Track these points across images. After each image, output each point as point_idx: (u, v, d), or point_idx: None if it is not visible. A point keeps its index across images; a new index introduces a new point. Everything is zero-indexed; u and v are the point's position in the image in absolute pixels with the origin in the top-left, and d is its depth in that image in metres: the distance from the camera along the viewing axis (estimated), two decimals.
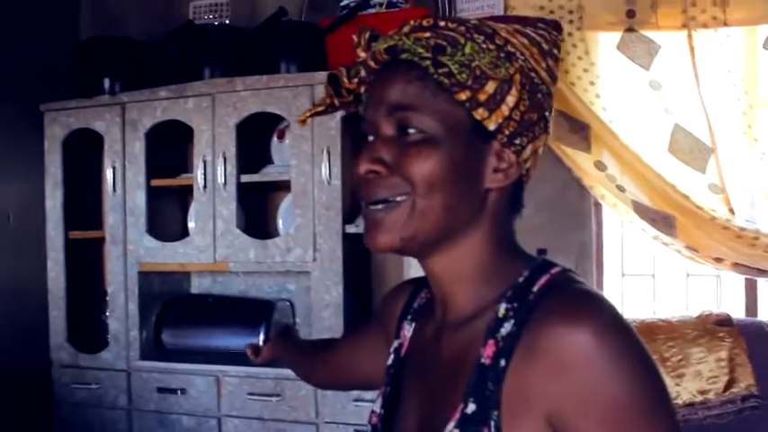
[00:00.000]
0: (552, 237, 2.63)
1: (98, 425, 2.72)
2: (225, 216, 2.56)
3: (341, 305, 2.45)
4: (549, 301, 0.71)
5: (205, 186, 2.58)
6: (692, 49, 2.39)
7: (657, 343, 2.27)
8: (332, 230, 2.43)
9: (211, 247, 2.58)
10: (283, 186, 2.84)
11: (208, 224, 2.58)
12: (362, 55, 0.81)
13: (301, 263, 2.49)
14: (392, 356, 0.91)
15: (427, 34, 0.75)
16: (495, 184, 0.78)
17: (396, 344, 0.92)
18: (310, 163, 2.46)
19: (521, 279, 0.77)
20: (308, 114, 0.88)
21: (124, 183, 2.70)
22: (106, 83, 2.78)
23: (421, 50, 0.73)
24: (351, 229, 2.47)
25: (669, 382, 2.22)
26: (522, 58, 0.76)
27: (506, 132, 0.76)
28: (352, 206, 2.53)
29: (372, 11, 2.59)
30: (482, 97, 0.73)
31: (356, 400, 2.42)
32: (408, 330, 0.91)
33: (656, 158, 2.41)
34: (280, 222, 2.81)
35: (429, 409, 0.79)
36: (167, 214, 2.89)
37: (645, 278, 2.81)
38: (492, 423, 0.69)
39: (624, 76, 2.49)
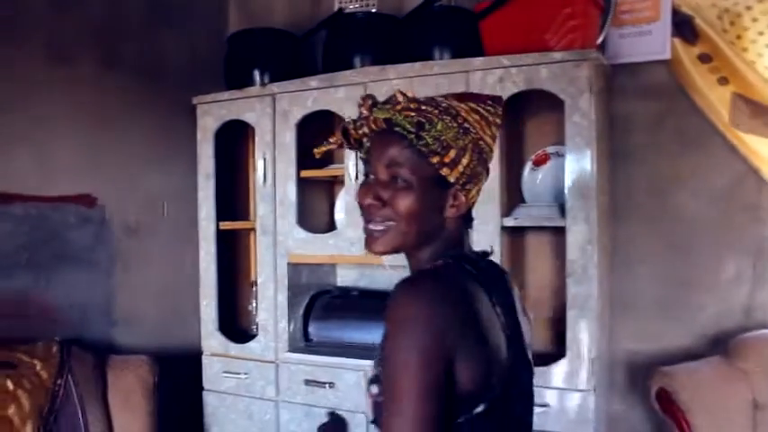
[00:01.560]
0: (725, 233, 2.41)
1: (245, 414, 2.73)
2: None
3: None
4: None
5: (357, 177, 2.53)
6: None
7: None
8: (490, 223, 2.31)
9: (362, 239, 2.52)
10: None
11: (359, 217, 2.52)
12: (365, 112, 1.15)
13: None
14: None
15: (413, 114, 1.11)
16: (451, 215, 1.15)
17: None
18: None
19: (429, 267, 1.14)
20: (323, 149, 1.24)
21: (274, 174, 2.69)
22: (256, 74, 2.79)
23: (408, 126, 1.09)
24: (509, 222, 2.34)
25: None
26: (474, 131, 1.12)
27: (460, 182, 1.13)
28: (509, 200, 2.41)
29: None
30: (446, 160, 1.10)
31: None
32: None
33: None
34: None
35: None
36: (315, 206, 2.87)
37: None
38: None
39: None
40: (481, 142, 1.13)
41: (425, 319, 0.99)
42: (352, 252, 2.55)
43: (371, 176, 1.16)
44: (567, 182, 2.21)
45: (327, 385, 2.57)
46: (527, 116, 2.60)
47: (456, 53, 2.46)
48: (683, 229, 2.46)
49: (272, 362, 2.70)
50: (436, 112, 1.11)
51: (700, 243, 2.44)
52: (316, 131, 2.82)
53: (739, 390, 2.04)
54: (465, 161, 1.12)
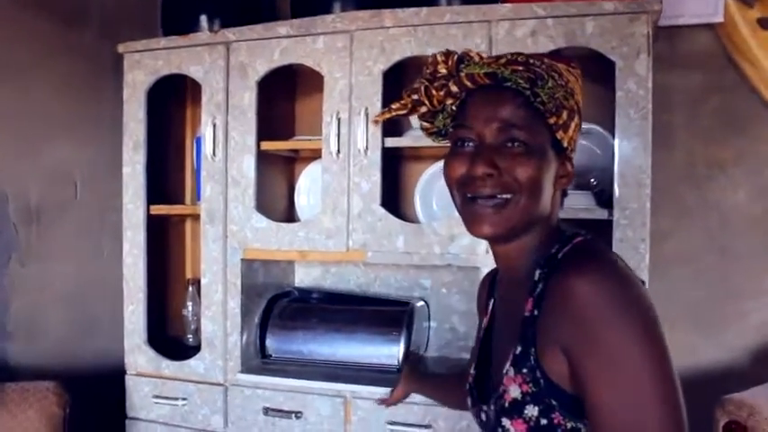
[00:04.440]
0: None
1: None
2: (364, 191, 1.97)
3: None
4: (565, 262, 0.91)
5: (338, 152, 1.99)
6: None
7: None
8: None
9: (344, 230, 2.00)
10: (423, 156, 2.28)
11: (341, 201, 1.99)
12: (443, 71, 1.01)
13: (467, 255, 1.90)
14: (482, 330, 1.15)
15: (521, 68, 0.95)
16: (560, 187, 1.01)
17: (484, 319, 1.16)
18: None
19: (553, 250, 0.96)
20: (386, 116, 1.08)
21: (226, 144, 2.11)
22: (203, 18, 2.20)
23: (521, 81, 0.94)
24: None
25: None
26: (576, 92, 1.00)
27: (569, 149, 1.00)
28: None
29: None
30: (560, 122, 0.97)
31: None
32: (491, 305, 1.14)
33: None
34: (417, 201, 2.23)
35: (502, 357, 0.99)
36: (274, 188, 2.31)
37: None
38: (531, 357, 0.90)
39: None
40: (580, 105, 1.01)
41: (636, 295, 0.85)
42: (329, 247, 2.01)
43: (469, 143, 0.97)
44: (617, 166, 1.77)
45: (294, 415, 2.03)
46: None
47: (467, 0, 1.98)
48: (723, 225, 2.09)
49: (219, 384, 2.13)
50: (544, 66, 0.97)
51: (743, 242, 2.08)
52: (282, 92, 2.28)
53: None
54: (573, 125, 0.99)
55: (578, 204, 1.90)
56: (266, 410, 2.06)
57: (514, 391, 0.92)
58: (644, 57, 1.74)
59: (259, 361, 2.17)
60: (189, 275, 2.55)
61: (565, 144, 0.99)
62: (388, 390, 1.91)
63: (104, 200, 2.34)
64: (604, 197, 1.94)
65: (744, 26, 1.98)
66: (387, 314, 2.16)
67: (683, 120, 2.10)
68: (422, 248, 1.94)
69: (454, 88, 0.99)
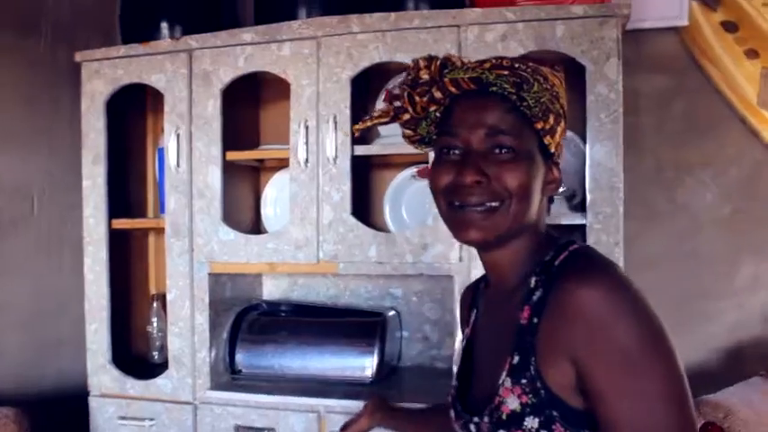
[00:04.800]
0: (743, 232, 2.08)
1: None
2: (334, 200, 1.93)
3: None
4: (566, 269, 0.89)
5: (307, 161, 1.94)
6: None
7: None
8: None
9: (314, 241, 1.95)
10: (391, 164, 2.25)
11: (310, 211, 1.95)
12: (425, 77, 0.97)
13: (441, 264, 1.87)
14: (464, 342, 1.12)
15: (506, 72, 0.93)
16: (548, 193, 0.99)
17: (466, 331, 1.13)
18: None
19: (547, 258, 0.94)
20: (368, 124, 1.05)
21: (190, 155, 2.04)
22: (164, 26, 2.13)
23: (507, 86, 0.92)
24: None
25: None
26: (560, 96, 0.97)
27: (556, 154, 0.99)
28: None
29: None
30: (547, 126, 0.94)
31: None
32: (473, 316, 1.11)
33: None
34: (386, 209, 2.19)
35: (491, 367, 0.95)
36: (240, 199, 2.25)
37: None
38: (531, 367, 0.87)
39: None
40: (565, 110, 0.99)
41: (642, 299, 0.84)
42: (299, 259, 1.96)
43: (454, 150, 0.95)
44: (588, 170, 1.77)
45: None
46: None
47: (435, 4, 1.95)
48: (692, 227, 2.11)
49: (188, 403, 2.05)
50: (529, 70, 0.94)
51: (711, 244, 2.09)
52: (245, 100, 2.22)
53: None
54: (560, 129, 0.98)
55: (553, 210, 1.89)
56: (238, 428, 2.00)
57: (513, 403, 0.89)
58: (614, 60, 1.74)
59: (229, 377, 2.11)
60: (153, 291, 2.47)
61: (552, 149, 0.97)
62: (361, 403, 1.89)
63: (63, 214, 2.26)
64: (576, 202, 1.94)
65: (708, 29, 2.00)
66: (359, 325, 2.12)
67: (649, 123, 2.12)
68: (394, 258, 1.91)
69: (438, 94, 0.96)
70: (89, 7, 2.41)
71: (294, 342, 2.11)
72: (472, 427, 0.98)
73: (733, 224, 2.08)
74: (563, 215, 1.90)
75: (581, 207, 1.87)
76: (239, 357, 2.12)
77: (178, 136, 2.04)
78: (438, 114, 0.99)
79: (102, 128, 2.11)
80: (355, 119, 1.94)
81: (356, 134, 1.09)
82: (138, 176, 2.45)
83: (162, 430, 2.07)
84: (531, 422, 0.87)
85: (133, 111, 2.39)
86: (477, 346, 1.08)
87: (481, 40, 1.82)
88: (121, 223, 2.17)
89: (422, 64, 0.98)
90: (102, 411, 2.13)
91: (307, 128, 1.94)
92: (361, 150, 1.96)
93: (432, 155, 1.02)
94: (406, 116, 1.00)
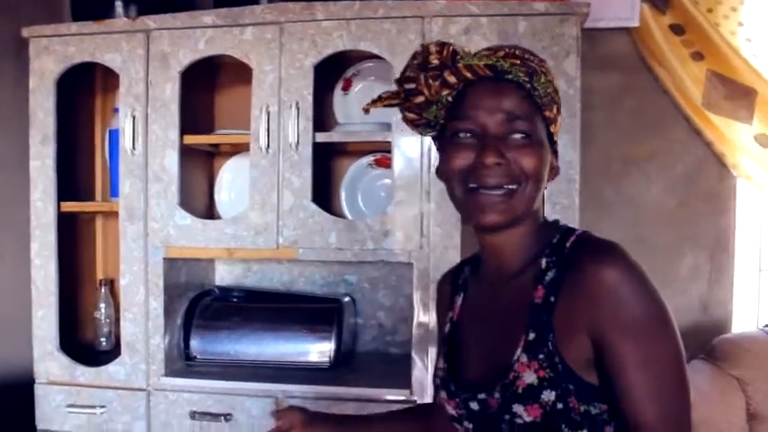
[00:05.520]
0: (683, 222, 2.19)
1: None
2: (295, 187, 1.93)
3: None
4: (581, 250, 0.94)
5: (268, 147, 1.93)
6: None
7: None
8: (448, 210, 1.86)
9: (274, 227, 1.95)
10: (352, 152, 2.26)
11: (270, 197, 1.94)
12: (435, 62, 0.99)
13: (401, 250, 1.90)
14: (448, 325, 1.13)
15: (518, 62, 0.96)
16: (551, 179, 1.03)
17: (450, 315, 1.13)
18: None
19: (554, 240, 0.99)
20: (378, 105, 1.06)
21: (146, 138, 2.00)
22: (118, 4, 2.08)
23: (521, 75, 0.96)
24: None
25: None
26: (558, 89, 1.02)
27: (557, 142, 1.05)
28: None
29: None
30: (552, 115, 1.00)
31: None
32: (458, 300, 1.13)
33: None
34: (342, 196, 2.20)
35: (492, 349, 1.00)
36: (196, 184, 2.21)
37: None
38: (549, 344, 0.92)
39: None
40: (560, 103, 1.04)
41: (648, 277, 0.91)
42: (258, 244, 1.96)
43: (468, 134, 0.97)
44: None
45: (223, 418, 1.96)
46: None
47: None
48: (639, 218, 2.21)
49: (141, 389, 2.02)
50: (536, 60, 0.99)
51: (656, 233, 2.20)
52: (203, 83, 2.19)
53: (734, 400, 1.81)
54: (559, 120, 1.03)
55: None
56: (193, 414, 1.98)
57: (529, 377, 0.92)
58: (573, 57, 1.80)
59: (183, 363, 2.08)
60: (100, 276, 2.41)
61: (555, 137, 1.03)
62: (325, 388, 1.91)
63: (7, 197, 2.17)
64: None
65: (657, 31, 2.09)
66: (316, 311, 2.13)
67: (600, 118, 2.20)
68: (355, 244, 1.92)
69: (452, 79, 0.98)
70: None
71: (250, 328, 2.10)
72: (474, 404, 0.99)
73: (676, 216, 2.19)
74: None
75: None
76: (194, 343, 2.09)
77: (134, 118, 1.99)
78: (450, 99, 1.00)
79: (51, 107, 2.03)
80: (317, 105, 1.95)
81: (366, 113, 1.08)
82: (86, 158, 2.37)
83: (113, 417, 2.03)
84: (548, 395, 0.90)
85: (81, 89, 2.31)
86: (466, 328, 1.10)
87: (445, 32, 1.85)
88: (71, 206, 2.11)
89: (433, 49, 0.99)
90: (48, 399, 2.07)
91: (269, 113, 1.93)
92: (322, 137, 1.97)
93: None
94: (420, 99, 1.01)
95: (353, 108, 2.20)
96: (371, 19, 1.88)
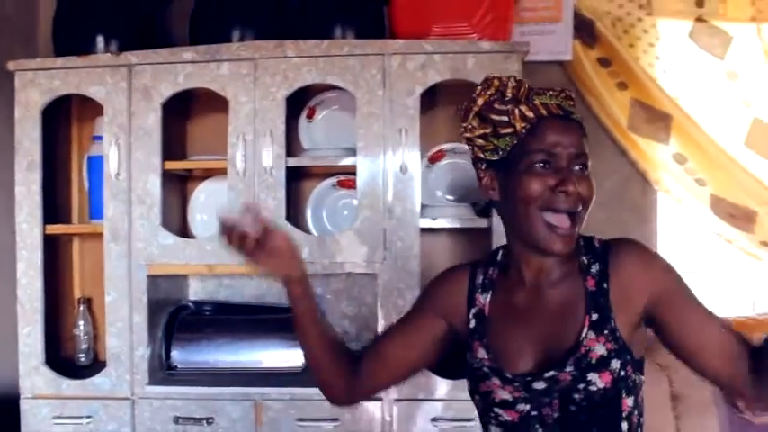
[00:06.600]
0: (613, 233, 2.44)
1: None
2: (270, 207, 2.12)
3: None
4: (615, 246, 1.16)
5: (245, 171, 2.12)
6: (762, 41, 2.35)
7: None
8: (408, 225, 2.09)
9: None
10: (314, 174, 2.46)
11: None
12: (509, 95, 1.14)
13: (367, 263, 2.11)
14: (474, 320, 1.22)
15: (572, 103, 1.16)
16: None
17: (474, 310, 1.23)
18: (381, 146, 2.09)
19: (581, 243, 1.17)
20: (472, 134, 1.18)
21: (129, 164, 2.16)
22: (99, 40, 2.23)
23: (579, 116, 1.15)
24: (425, 223, 2.14)
25: None
26: None
27: None
28: (425, 197, 2.20)
29: None
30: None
31: (434, 420, 2.09)
32: (484, 298, 1.23)
33: (734, 151, 2.34)
34: (308, 215, 2.40)
35: (549, 337, 1.14)
36: (173, 205, 2.38)
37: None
38: (612, 321, 1.10)
39: (698, 65, 2.38)
40: None
41: None
42: (236, 260, 2.11)
43: (544, 164, 1.11)
44: None
45: (205, 422, 2.13)
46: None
47: (360, 34, 2.19)
48: None
49: (126, 398, 2.16)
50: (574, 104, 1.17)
51: None
52: (177, 113, 2.36)
53: (660, 384, 2.08)
54: None
55: (462, 215, 2.20)
56: (177, 419, 2.14)
57: (600, 349, 1.08)
58: None
59: (165, 373, 2.23)
60: (78, 295, 2.53)
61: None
62: (300, 390, 2.09)
63: None
64: (479, 209, 2.25)
65: (587, 64, 2.38)
66: (289, 320, 2.30)
67: None
68: (324, 258, 2.13)
69: (530, 114, 1.11)
70: (10, 15, 2.44)
71: (228, 337, 2.28)
72: (539, 383, 1.11)
73: (606, 227, 2.43)
74: (470, 220, 2.21)
75: (484, 213, 2.18)
76: (175, 354, 2.25)
77: (118, 146, 2.15)
78: (524, 131, 1.11)
79: (37, 137, 2.17)
80: (289, 133, 2.15)
81: (463, 137, 1.18)
82: (63, 183, 2.50)
83: (99, 427, 2.16)
84: (615, 364, 1.08)
85: (59, 119, 2.44)
86: (503, 326, 1.19)
87: (403, 67, 2.08)
88: (55, 228, 2.25)
89: (511, 84, 1.14)
90: (34, 413, 2.18)
91: (245, 141, 2.12)
92: (294, 162, 2.17)
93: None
94: (509, 129, 1.12)
95: (317, 134, 2.39)
96: (337, 56, 2.10)
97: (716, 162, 2.32)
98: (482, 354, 1.19)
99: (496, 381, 1.15)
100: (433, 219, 2.17)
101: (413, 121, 2.09)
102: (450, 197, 2.32)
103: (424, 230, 2.14)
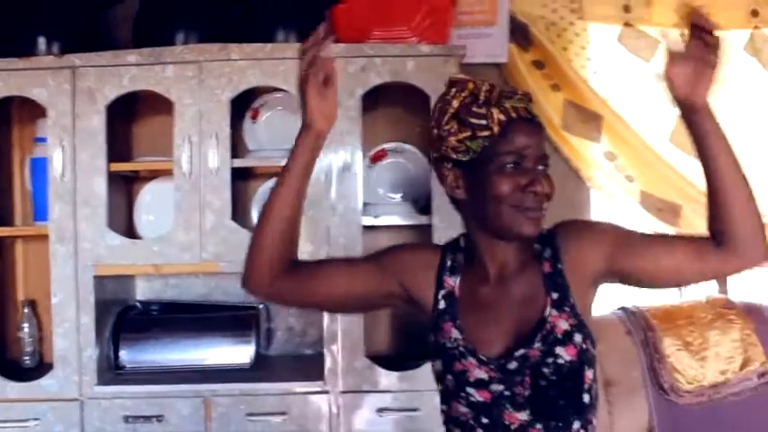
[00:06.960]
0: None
1: None
2: (216, 207, 2.16)
3: None
4: (559, 229, 1.25)
5: (191, 172, 2.16)
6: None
7: (680, 328, 2.31)
8: (350, 223, 2.16)
9: (197, 244, 2.17)
10: (260, 174, 2.51)
11: (193, 217, 2.16)
12: (482, 98, 1.17)
13: (311, 259, 2.17)
14: (443, 301, 1.26)
15: (533, 105, 1.23)
16: None
17: (444, 292, 1.27)
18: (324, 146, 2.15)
19: None
20: (458, 137, 1.21)
21: (74, 166, 2.17)
22: (41, 42, 2.23)
23: (540, 119, 1.23)
24: (367, 221, 2.22)
25: (695, 364, 2.27)
26: None
27: None
28: (367, 195, 2.27)
29: None
30: None
31: (380, 411, 2.17)
32: (454, 281, 1.27)
33: (660, 148, 2.47)
34: (254, 213, 2.45)
35: (516, 320, 1.21)
36: (118, 206, 2.39)
37: None
38: (571, 298, 1.20)
39: (626, 67, 2.51)
40: None
41: None
42: (184, 260, 2.17)
43: (512, 164, 1.17)
44: (433, 179, 2.15)
45: (155, 419, 2.16)
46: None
47: (302, 37, 2.24)
48: None
49: (75, 399, 2.18)
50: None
51: None
52: (123, 114, 2.38)
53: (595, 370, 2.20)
54: None
55: (404, 213, 2.28)
56: (126, 418, 2.16)
57: (563, 325, 1.17)
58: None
59: (114, 373, 2.25)
60: (22, 297, 2.52)
61: None
62: (248, 386, 2.14)
63: None
64: (419, 206, 2.33)
65: (522, 66, 2.48)
66: (236, 318, 2.37)
67: None
68: None
69: (501, 117, 1.15)
70: None
71: (177, 336, 2.31)
72: (512, 364, 1.17)
73: (545, 222, 2.58)
74: (411, 217, 2.29)
75: (424, 211, 2.26)
76: (123, 354, 2.27)
77: (63, 147, 2.16)
78: (496, 133, 1.16)
79: None
80: (234, 134, 2.20)
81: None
82: (5, 186, 2.49)
83: (48, 428, 2.17)
84: (578, 338, 1.17)
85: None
86: (471, 310, 1.24)
87: (344, 70, 2.14)
88: (2, 231, 2.24)
89: (484, 87, 1.18)
90: None
91: (191, 143, 2.15)
92: (239, 163, 2.22)
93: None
94: (486, 132, 1.16)
95: (262, 135, 2.43)
96: (280, 59, 2.15)
97: (644, 159, 2.45)
98: (456, 334, 1.22)
99: (472, 360, 1.19)
100: (376, 216, 2.24)
101: (354, 121, 2.16)
102: (392, 195, 2.40)
103: (366, 228, 2.21)
